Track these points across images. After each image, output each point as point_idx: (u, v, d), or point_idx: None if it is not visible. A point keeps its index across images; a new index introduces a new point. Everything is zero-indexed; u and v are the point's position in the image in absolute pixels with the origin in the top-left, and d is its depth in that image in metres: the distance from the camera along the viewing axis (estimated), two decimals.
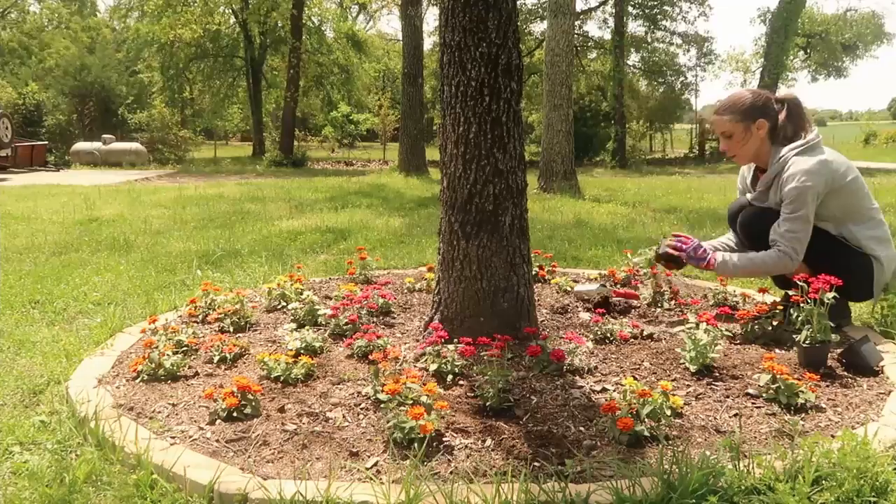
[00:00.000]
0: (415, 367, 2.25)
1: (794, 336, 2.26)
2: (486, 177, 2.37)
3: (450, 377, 2.16)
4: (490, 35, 2.30)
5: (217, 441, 1.80)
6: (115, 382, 2.23)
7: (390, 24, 63.64)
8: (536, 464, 1.65)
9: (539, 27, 23.40)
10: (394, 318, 2.88)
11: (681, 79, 26.97)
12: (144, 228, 5.91)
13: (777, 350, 2.43)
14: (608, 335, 2.53)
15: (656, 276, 3.10)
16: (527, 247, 2.52)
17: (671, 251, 2.74)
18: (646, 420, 1.77)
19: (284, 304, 3.03)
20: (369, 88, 33.22)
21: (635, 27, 24.66)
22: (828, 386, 2.09)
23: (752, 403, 1.98)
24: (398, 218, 6.62)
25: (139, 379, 2.23)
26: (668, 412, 1.83)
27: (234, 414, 1.91)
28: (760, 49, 25.74)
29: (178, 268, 4.23)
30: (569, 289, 3.26)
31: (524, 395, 2.05)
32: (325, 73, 25.61)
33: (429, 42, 26.13)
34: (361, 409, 1.98)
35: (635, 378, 2.09)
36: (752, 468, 1.51)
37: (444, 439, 1.77)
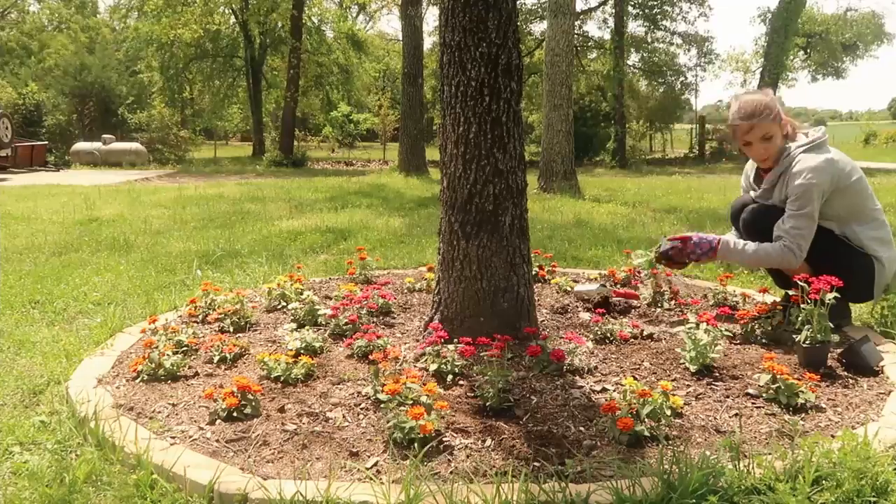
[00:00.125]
0: (415, 367, 2.25)
1: (794, 336, 2.26)
2: (486, 177, 2.37)
3: (450, 377, 2.16)
4: (490, 35, 2.30)
5: (217, 441, 1.80)
6: (115, 382, 2.23)
7: (390, 24, 63.60)
8: (536, 464, 1.65)
9: (539, 27, 23.39)
10: (394, 318, 2.88)
11: (681, 79, 26.95)
12: (144, 228, 5.91)
13: (777, 350, 2.43)
14: (608, 335, 2.53)
15: (656, 276, 3.10)
16: (527, 247, 2.52)
17: (672, 251, 2.74)
18: (646, 420, 1.77)
19: (284, 304, 3.03)
20: (369, 88, 33.21)
21: (635, 27, 24.66)
22: (828, 386, 2.10)
23: (752, 403, 1.98)
24: (398, 218, 6.62)
25: (139, 379, 2.23)
26: (668, 412, 1.83)
27: (234, 414, 1.91)
28: (760, 49, 25.72)
29: (178, 268, 4.23)
30: (569, 289, 3.26)
31: (524, 395, 2.05)
32: (324, 73, 25.59)
33: (429, 42, 26.13)
34: (361, 409, 1.98)
35: (635, 378, 2.09)
36: (752, 468, 1.51)
37: (444, 439, 1.77)
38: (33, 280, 3.86)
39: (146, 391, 2.14)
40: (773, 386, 1.98)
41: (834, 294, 2.16)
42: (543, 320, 2.79)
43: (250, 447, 1.76)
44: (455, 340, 2.27)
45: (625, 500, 1.44)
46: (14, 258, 4.51)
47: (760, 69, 22.53)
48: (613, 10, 22.17)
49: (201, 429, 1.87)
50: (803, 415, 1.90)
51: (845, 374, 2.20)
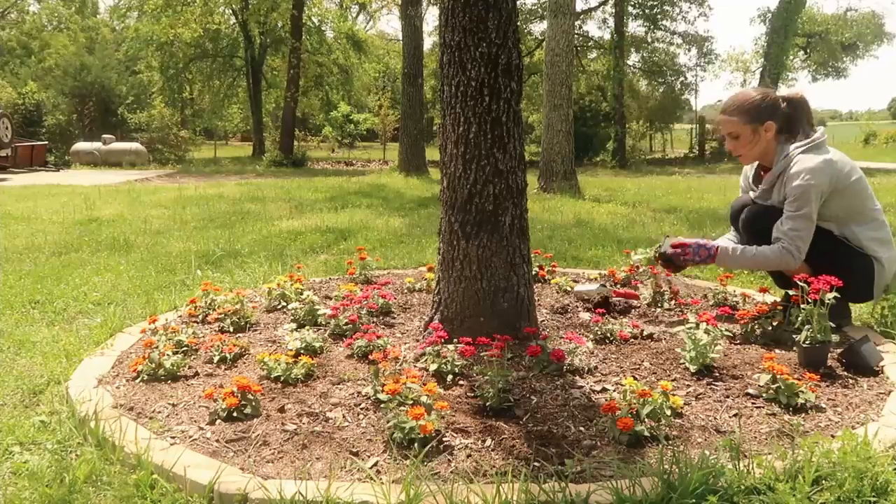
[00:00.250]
0: (415, 367, 2.25)
1: (794, 336, 2.26)
2: (486, 177, 2.37)
3: (450, 377, 2.16)
4: (490, 35, 2.30)
5: (217, 441, 1.80)
6: (115, 382, 2.23)
7: (390, 24, 63.61)
8: (536, 464, 1.65)
9: (539, 27, 23.40)
10: (394, 318, 2.88)
11: (681, 79, 26.97)
12: (144, 228, 5.91)
13: (777, 350, 2.43)
14: (608, 335, 2.53)
15: (656, 276, 3.10)
16: (527, 247, 2.52)
17: (672, 254, 2.74)
18: (646, 420, 1.77)
19: (284, 304, 3.03)
20: (369, 88, 33.21)
21: (635, 27, 24.68)
22: (828, 386, 2.09)
23: (752, 403, 1.98)
24: (398, 218, 6.62)
25: (139, 379, 2.23)
26: (668, 412, 1.83)
27: (234, 414, 1.91)
28: (760, 49, 25.72)
29: (178, 268, 4.23)
30: (569, 289, 3.26)
31: (524, 395, 2.05)
32: (324, 73, 25.60)
33: (429, 42, 26.16)
34: (361, 409, 1.98)
35: (635, 378, 2.09)
36: (752, 468, 1.51)
37: (444, 439, 1.77)
38: (33, 280, 3.86)
39: (146, 391, 2.14)
40: (773, 386, 1.98)
41: (833, 294, 2.17)
42: (543, 320, 2.79)
43: (250, 447, 1.76)
44: (455, 340, 2.27)
45: (625, 500, 1.44)
46: (14, 258, 4.51)
47: (760, 69, 22.53)
48: (613, 10, 22.19)
49: (201, 429, 1.87)
50: (803, 415, 1.90)
51: (845, 374, 2.20)
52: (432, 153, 15.37)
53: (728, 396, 2.03)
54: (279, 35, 23.88)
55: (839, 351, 2.27)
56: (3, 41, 32.49)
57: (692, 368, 2.20)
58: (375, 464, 1.67)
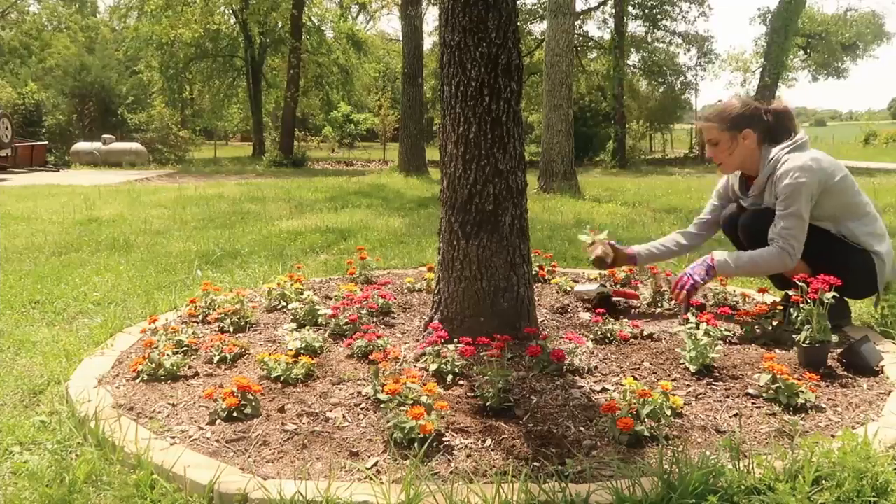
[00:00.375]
0: (415, 367, 2.25)
1: (794, 336, 2.26)
2: (486, 177, 2.37)
3: (450, 377, 2.16)
4: (490, 35, 2.30)
5: (217, 441, 1.80)
6: (115, 382, 2.23)
7: (390, 24, 63.64)
8: (536, 464, 1.65)
9: (539, 27, 23.41)
10: (394, 318, 2.88)
11: (681, 79, 27.00)
12: (144, 228, 5.92)
13: (777, 350, 2.43)
14: (608, 335, 2.53)
15: (656, 276, 3.11)
16: (527, 247, 2.52)
17: (602, 257, 2.87)
18: (646, 420, 1.77)
19: (284, 304, 3.03)
20: (369, 88, 33.22)
21: (635, 27, 24.69)
22: (828, 386, 2.10)
23: (752, 403, 1.98)
24: (398, 218, 6.62)
25: (139, 379, 2.23)
26: (668, 412, 1.83)
27: (234, 414, 1.91)
28: (760, 49, 25.74)
29: (178, 268, 4.23)
30: (569, 289, 3.26)
31: (524, 395, 2.05)
32: (324, 73, 25.60)
33: (429, 42, 26.16)
34: (361, 409, 1.98)
35: (635, 378, 2.09)
36: (752, 468, 1.51)
37: (444, 439, 1.77)
38: (33, 280, 3.86)
39: (146, 391, 2.14)
40: (773, 386, 1.98)
41: (833, 294, 2.17)
42: (543, 320, 2.80)
43: (250, 447, 1.76)
44: (455, 340, 2.27)
45: (625, 500, 1.44)
46: (14, 258, 4.51)
47: (760, 69, 22.54)
48: (613, 10, 22.20)
49: (201, 429, 1.87)
50: (803, 415, 1.90)
51: (845, 374, 2.20)
52: (432, 153, 15.38)
53: (728, 396, 2.03)
54: (279, 35, 23.90)
55: (839, 351, 2.27)
56: (3, 41, 32.48)
57: (692, 368, 2.20)
58: (375, 464, 1.67)
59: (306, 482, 1.54)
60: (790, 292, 2.31)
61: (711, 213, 3.00)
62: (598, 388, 2.11)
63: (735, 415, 1.91)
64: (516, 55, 2.37)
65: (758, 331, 2.53)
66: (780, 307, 2.64)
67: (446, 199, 2.46)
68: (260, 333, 2.72)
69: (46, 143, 17.90)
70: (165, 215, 6.82)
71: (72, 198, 8.38)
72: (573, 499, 1.46)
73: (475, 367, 2.19)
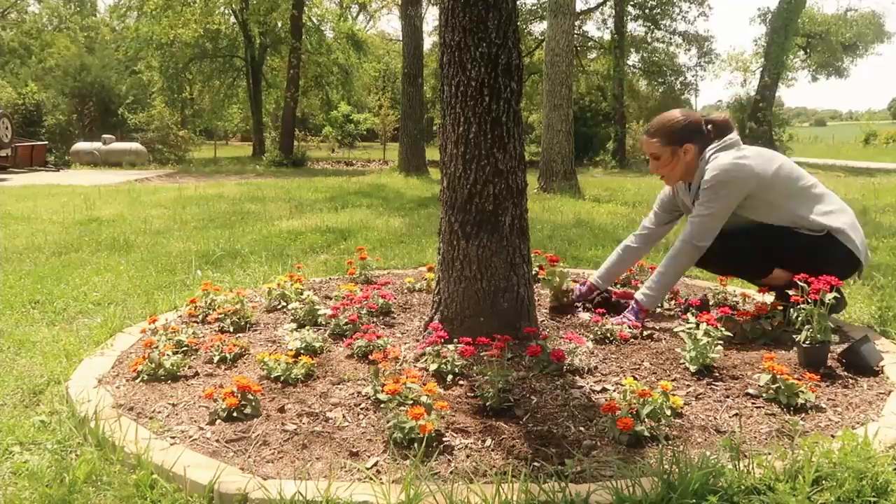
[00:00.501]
0: (415, 367, 2.25)
1: (794, 336, 2.26)
2: (486, 177, 2.37)
3: (450, 377, 2.16)
4: (490, 35, 2.30)
5: (217, 441, 1.80)
6: (115, 382, 2.23)
7: (390, 24, 63.64)
8: (536, 464, 1.65)
9: (539, 27, 23.39)
10: (394, 318, 2.88)
11: (681, 79, 26.97)
12: (144, 228, 5.92)
13: (777, 350, 2.43)
14: (608, 335, 2.53)
15: None
16: (527, 247, 2.52)
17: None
18: (646, 420, 1.77)
19: (284, 304, 3.03)
20: (369, 88, 33.22)
21: (635, 27, 24.67)
22: (828, 386, 2.10)
23: (752, 403, 1.98)
24: (398, 218, 6.62)
25: (139, 379, 2.23)
26: (668, 412, 1.83)
27: (234, 414, 1.91)
28: (760, 49, 25.72)
29: (178, 268, 4.23)
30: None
31: (524, 395, 2.05)
32: (324, 73, 25.59)
33: (429, 42, 26.13)
34: (361, 409, 1.98)
35: (635, 378, 2.09)
36: (752, 468, 1.52)
37: (444, 439, 1.77)
38: (33, 280, 3.86)
39: (146, 391, 2.14)
40: (773, 386, 1.98)
41: (834, 294, 2.17)
42: (543, 320, 2.79)
43: (250, 447, 1.76)
44: (455, 340, 2.27)
45: (625, 500, 1.44)
46: (14, 258, 4.51)
47: (760, 69, 22.54)
48: (613, 10, 22.18)
49: (201, 429, 1.87)
50: (803, 415, 1.90)
51: (845, 374, 2.20)
52: (432, 153, 15.37)
53: (728, 396, 2.03)
54: (279, 35, 23.88)
55: (839, 351, 2.27)
56: (3, 41, 32.49)
57: (692, 368, 2.20)
58: (375, 464, 1.67)
59: (306, 482, 1.54)
60: (790, 292, 2.31)
61: (653, 224, 3.06)
62: (598, 388, 2.11)
63: (735, 415, 1.91)
64: (516, 55, 2.37)
65: (758, 329, 2.53)
66: (780, 307, 2.64)
67: (446, 199, 2.46)
68: (260, 333, 2.72)
69: (46, 143, 17.89)
70: (165, 215, 6.82)
71: (72, 198, 8.38)
72: (573, 499, 1.46)
73: (475, 367, 2.19)
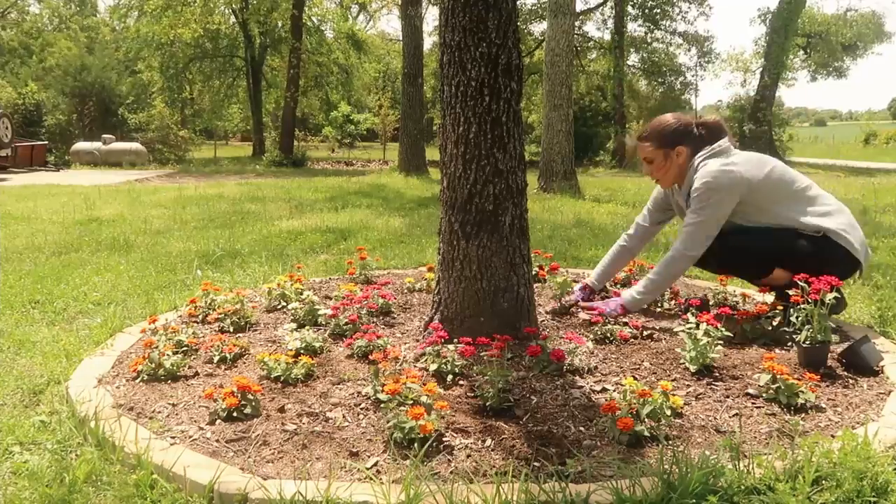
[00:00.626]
0: (415, 367, 2.25)
1: (794, 336, 2.26)
2: (486, 177, 2.37)
3: (450, 377, 2.16)
4: (490, 35, 2.30)
5: (217, 441, 1.80)
6: (115, 382, 2.23)
7: (390, 24, 63.66)
8: (536, 464, 1.65)
9: (539, 27, 23.40)
10: (394, 318, 2.88)
11: (681, 79, 26.97)
12: (144, 228, 5.92)
13: (777, 350, 2.43)
14: (608, 335, 2.53)
15: None
16: (527, 247, 2.53)
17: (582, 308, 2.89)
18: (646, 420, 1.77)
19: (284, 304, 3.03)
20: (369, 88, 33.21)
21: (635, 27, 24.67)
22: (828, 386, 2.10)
23: (752, 403, 1.98)
24: (398, 218, 6.62)
25: (139, 379, 2.23)
26: (668, 412, 1.83)
27: (234, 414, 1.91)
28: (760, 49, 25.72)
29: (178, 268, 4.23)
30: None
31: (524, 395, 2.05)
32: (324, 73, 25.59)
33: (429, 42, 26.15)
34: (361, 409, 1.98)
35: (635, 378, 2.09)
36: (752, 468, 1.51)
37: (444, 439, 1.77)
38: (33, 280, 3.86)
39: (146, 391, 2.14)
40: (773, 386, 1.98)
41: (834, 294, 2.17)
42: (543, 320, 2.80)
43: (250, 447, 1.76)
44: (455, 340, 2.27)
45: (625, 500, 1.44)
46: (14, 258, 4.51)
47: (760, 69, 22.53)
48: (613, 11, 22.18)
49: (201, 429, 1.87)
50: (803, 415, 1.90)
51: (845, 374, 2.20)
52: (432, 153, 15.37)
53: (728, 396, 2.03)
54: (279, 35, 23.88)
55: (839, 351, 2.27)
56: (3, 41, 32.49)
57: (692, 368, 2.20)
58: (375, 464, 1.67)
59: (306, 482, 1.54)
60: (790, 292, 2.32)
61: (646, 222, 3.07)
62: (598, 388, 2.11)
63: (735, 415, 1.91)
64: (516, 55, 2.37)
65: (758, 328, 2.53)
66: (781, 307, 2.64)
67: (446, 199, 2.46)
68: (260, 333, 2.72)
69: (46, 142, 17.89)
70: (165, 215, 6.82)
71: (72, 198, 8.38)
72: (573, 499, 1.46)
73: (475, 367, 2.19)
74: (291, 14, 20.19)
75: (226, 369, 2.32)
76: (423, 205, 7.82)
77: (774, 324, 2.54)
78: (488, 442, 1.77)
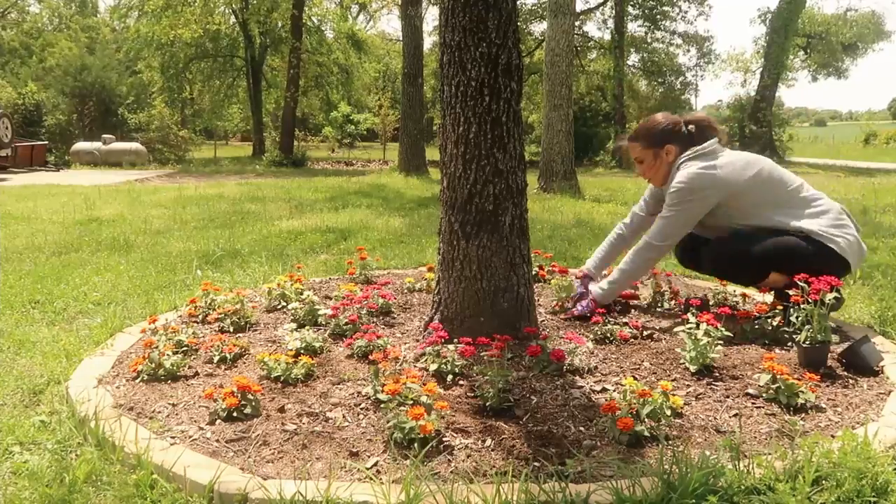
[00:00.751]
0: (415, 367, 2.25)
1: (794, 336, 2.26)
2: (486, 177, 2.37)
3: (450, 377, 2.16)
4: (490, 35, 2.30)
5: (217, 441, 1.80)
6: (115, 382, 2.23)
7: (390, 24, 63.62)
8: (536, 464, 1.65)
9: (539, 27, 23.40)
10: (394, 318, 2.88)
11: (681, 79, 26.97)
12: (144, 228, 5.92)
13: (777, 350, 2.43)
14: (608, 335, 2.53)
15: (656, 276, 3.11)
16: (527, 247, 2.53)
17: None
18: (646, 420, 1.77)
19: (284, 304, 3.03)
20: (369, 88, 33.21)
21: (635, 27, 24.67)
22: (828, 386, 2.10)
23: (752, 403, 1.98)
24: (398, 218, 6.62)
25: (139, 379, 2.23)
26: (668, 412, 1.83)
27: (234, 414, 1.92)
28: (760, 49, 25.72)
29: (178, 268, 4.23)
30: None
31: (524, 395, 2.05)
32: (324, 73, 25.59)
33: (429, 42, 26.17)
34: (361, 409, 1.98)
35: (635, 378, 2.09)
36: (752, 468, 1.52)
37: (444, 439, 1.77)
38: (33, 280, 3.86)
39: (146, 391, 2.14)
40: (773, 386, 1.98)
41: (834, 294, 2.17)
42: (543, 320, 2.80)
43: (250, 447, 1.76)
44: (455, 340, 2.27)
45: (625, 500, 1.44)
46: (14, 258, 4.51)
47: (760, 69, 22.53)
48: (613, 11, 22.18)
49: (201, 429, 1.87)
50: (803, 415, 1.90)
51: (845, 374, 2.20)
52: (432, 153, 15.37)
53: (728, 396, 2.03)
54: (279, 35, 23.88)
55: (839, 351, 2.27)
56: (3, 41, 32.49)
57: (692, 368, 2.20)
58: (375, 464, 1.67)
59: (306, 482, 1.54)
60: (790, 292, 2.32)
61: (642, 212, 3.09)
62: (598, 388, 2.11)
63: (735, 415, 1.91)
64: (516, 55, 2.37)
65: (757, 328, 2.53)
66: (781, 307, 2.64)
67: (446, 199, 2.46)
68: (260, 333, 2.72)
69: (46, 142, 17.89)
70: (165, 215, 6.82)
71: (72, 198, 8.38)
72: (573, 499, 1.46)
73: (475, 367, 2.19)
74: (291, 14, 20.19)
75: (226, 369, 2.32)
76: (423, 205, 7.83)
77: (774, 324, 2.54)
78: (488, 442, 1.77)
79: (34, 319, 3.12)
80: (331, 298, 3.13)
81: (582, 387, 2.11)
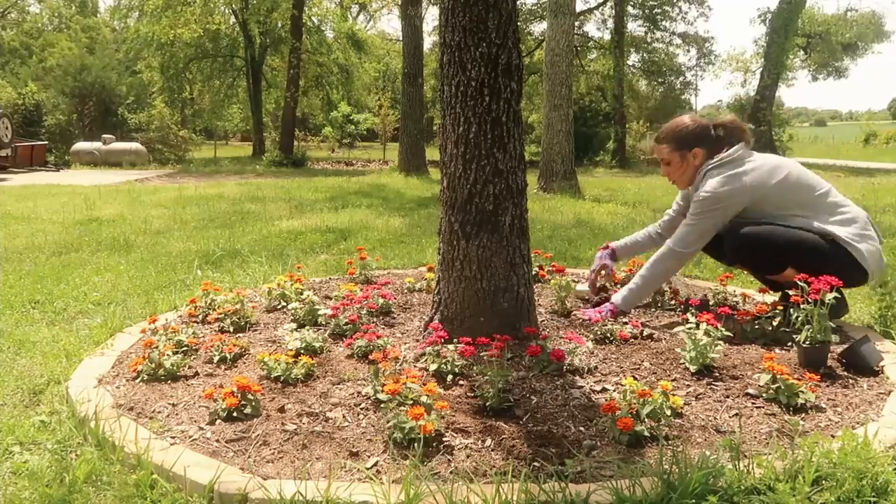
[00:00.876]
0: (415, 367, 2.25)
1: (794, 336, 2.26)
2: (486, 177, 2.37)
3: (450, 377, 2.16)
4: (490, 35, 2.30)
5: (217, 441, 1.80)
6: (115, 382, 2.23)
7: (390, 24, 63.62)
8: (536, 464, 1.65)
9: (539, 27, 23.39)
10: (394, 318, 2.88)
11: (681, 79, 26.98)
12: (144, 228, 5.92)
13: (777, 350, 2.43)
14: (608, 335, 2.53)
15: None
16: (527, 247, 2.52)
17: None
18: (646, 420, 1.77)
19: (284, 304, 3.03)
20: (369, 88, 33.21)
21: (635, 27, 24.67)
22: (828, 386, 2.10)
23: (752, 403, 1.98)
24: (398, 218, 6.62)
25: (139, 379, 2.23)
26: (668, 412, 1.83)
27: (234, 414, 1.91)
28: (760, 49, 25.72)
29: (178, 268, 4.23)
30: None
31: (524, 395, 2.05)
32: (324, 73, 25.60)
33: (429, 42, 26.17)
34: (361, 409, 1.98)
35: (635, 378, 2.09)
36: (752, 468, 1.51)
37: (444, 439, 1.77)
38: (33, 280, 3.86)
39: (146, 391, 2.14)
40: (773, 386, 1.98)
41: (834, 294, 2.17)
42: (543, 320, 2.79)
43: (250, 447, 1.76)
44: (455, 340, 2.27)
45: (625, 500, 1.44)
46: (14, 258, 4.51)
47: (760, 69, 22.53)
48: (613, 10, 22.17)
49: (201, 429, 1.87)
50: (803, 415, 1.90)
51: (845, 374, 2.20)
52: (432, 153, 15.38)
53: (728, 396, 2.03)
54: (279, 35, 23.89)
55: (839, 351, 2.27)
56: (3, 41, 32.49)
57: (692, 368, 2.20)
58: (375, 464, 1.67)
59: (306, 482, 1.54)
60: (790, 292, 2.32)
61: (675, 213, 3.11)
62: (598, 388, 2.11)
63: (735, 415, 1.91)
64: (516, 55, 2.37)
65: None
66: (781, 307, 2.64)
67: (446, 199, 2.46)
68: (260, 333, 2.72)
69: (46, 142, 17.90)
70: (165, 215, 6.82)
71: (72, 198, 8.38)
72: (573, 499, 1.46)
73: (475, 367, 2.19)
74: (291, 14, 20.19)
75: (226, 369, 2.32)
76: (423, 205, 7.83)
77: (774, 324, 2.54)
78: (488, 442, 1.77)
79: (34, 319, 3.12)
80: (331, 298, 3.13)
81: (582, 387, 2.11)
